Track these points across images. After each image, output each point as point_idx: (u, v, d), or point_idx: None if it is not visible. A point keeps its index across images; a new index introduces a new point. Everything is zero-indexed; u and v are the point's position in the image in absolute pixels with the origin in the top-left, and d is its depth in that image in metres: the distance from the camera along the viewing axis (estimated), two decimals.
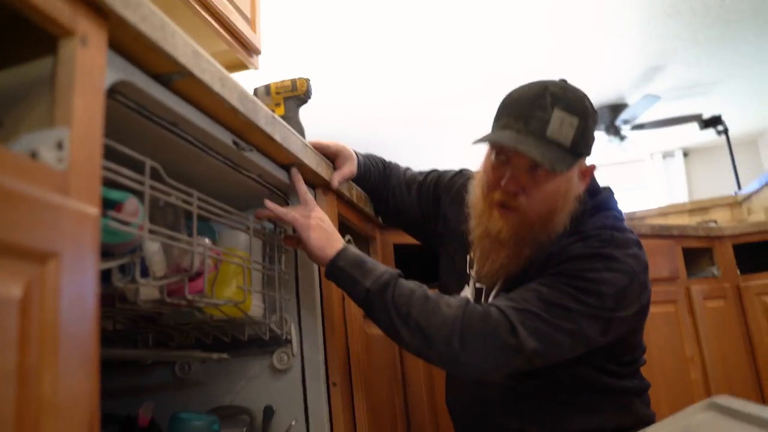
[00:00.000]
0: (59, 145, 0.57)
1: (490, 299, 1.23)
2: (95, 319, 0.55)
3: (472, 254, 1.29)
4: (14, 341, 0.46)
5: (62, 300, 0.51)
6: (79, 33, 0.60)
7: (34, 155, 0.56)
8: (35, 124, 0.60)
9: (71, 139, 0.58)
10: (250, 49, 1.69)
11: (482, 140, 1.15)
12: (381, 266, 1.11)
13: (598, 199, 1.24)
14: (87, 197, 0.57)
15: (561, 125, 1.10)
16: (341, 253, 1.09)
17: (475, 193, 1.26)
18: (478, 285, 1.29)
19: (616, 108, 5.29)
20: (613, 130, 5.36)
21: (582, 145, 1.13)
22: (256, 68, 1.75)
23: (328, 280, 1.13)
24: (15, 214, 0.48)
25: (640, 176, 6.87)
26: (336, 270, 1.09)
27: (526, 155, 1.09)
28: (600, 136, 5.46)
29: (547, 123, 1.10)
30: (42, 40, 0.61)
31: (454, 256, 1.38)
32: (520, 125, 1.11)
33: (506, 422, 1.24)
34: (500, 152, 1.16)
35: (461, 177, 1.44)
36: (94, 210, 0.57)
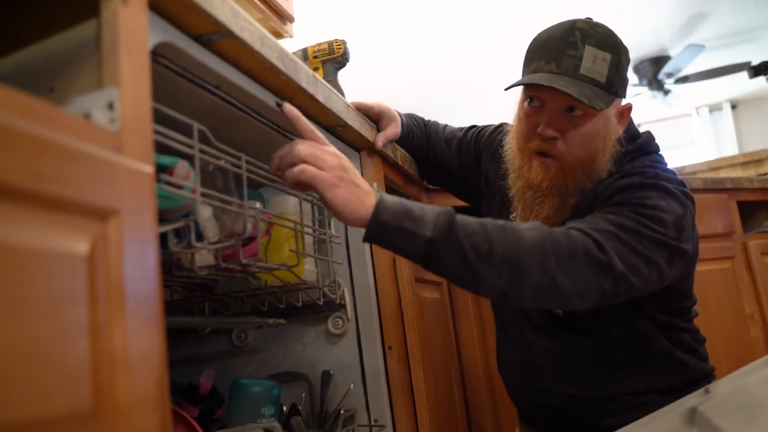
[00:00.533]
0: (110, 106, 0.57)
1: None
2: (158, 278, 0.55)
3: (513, 212, 1.24)
4: (85, 296, 0.46)
5: (125, 257, 0.51)
6: None
7: (87, 116, 0.56)
8: (85, 86, 0.60)
9: (121, 100, 0.57)
10: (284, 17, 1.68)
11: (516, 84, 1.12)
12: (427, 207, 0.92)
13: (639, 142, 1.19)
14: (141, 157, 0.57)
15: (594, 62, 1.07)
16: (380, 207, 0.88)
17: (511, 146, 1.23)
18: None
19: (658, 61, 5.12)
20: (656, 85, 5.19)
21: (617, 82, 1.10)
22: (291, 36, 1.73)
23: (373, 243, 0.93)
24: (77, 172, 0.47)
25: (687, 132, 6.66)
26: (380, 228, 0.88)
27: (563, 93, 1.04)
28: (642, 91, 5.31)
29: (579, 60, 1.07)
30: (84, 3, 0.61)
31: (497, 216, 1.32)
32: (552, 66, 1.08)
33: (558, 387, 1.21)
34: (534, 97, 1.12)
35: (501, 132, 1.39)
36: (148, 168, 0.57)
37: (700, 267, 1.21)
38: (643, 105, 5.61)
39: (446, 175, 1.49)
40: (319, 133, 0.92)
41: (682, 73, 5.13)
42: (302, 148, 0.87)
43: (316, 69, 1.32)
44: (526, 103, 1.14)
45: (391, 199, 0.91)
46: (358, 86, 5.05)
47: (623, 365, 1.17)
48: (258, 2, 1.55)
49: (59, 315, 0.44)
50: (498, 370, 1.40)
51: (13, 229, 0.42)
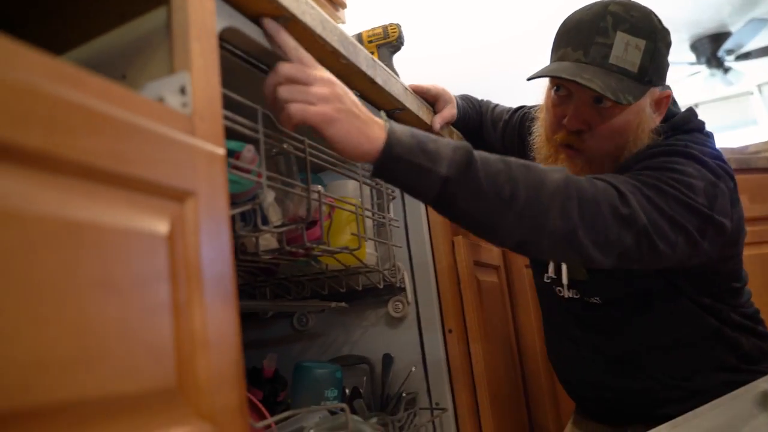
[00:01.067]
0: (182, 90, 0.58)
1: None
2: (232, 258, 0.56)
3: None
4: (166, 275, 0.47)
5: (203, 237, 0.52)
6: None
7: (160, 100, 0.57)
8: (156, 72, 0.61)
9: (192, 84, 0.58)
10: (337, 3, 1.68)
11: (537, 75, 1.05)
12: (442, 141, 0.81)
13: (674, 121, 1.10)
14: (213, 140, 0.58)
15: (626, 49, 1.00)
16: (391, 141, 0.77)
17: (539, 134, 1.16)
18: None
19: (718, 37, 4.92)
20: (716, 63, 5.00)
21: (651, 70, 1.02)
22: (343, 22, 1.73)
23: (380, 179, 0.82)
24: (156, 154, 0.48)
25: (748, 111, 6.40)
26: (390, 164, 0.77)
27: (586, 87, 0.97)
28: (701, 69, 5.12)
29: (609, 49, 1.00)
30: None
31: None
32: (579, 54, 1.02)
33: (609, 380, 1.16)
34: (561, 86, 1.06)
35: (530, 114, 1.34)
36: (221, 151, 0.57)
37: (761, 249, 1.15)
38: (701, 84, 5.41)
39: None
40: (304, 52, 0.77)
41: (743, 50, 4.93)
42: (284, 87, 0.74)
43: (371, 53, 1.32)
44: (552, 92, 1.09)
45: (402, 129, 0.79)
46: (410, 70, 5.05)
47: (670, 350, 1.11)
48: None
49: (144, 293, 0.45)
50: (550, 363, 1.38)
51: (100, 209, 0.44)
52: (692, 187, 0.95)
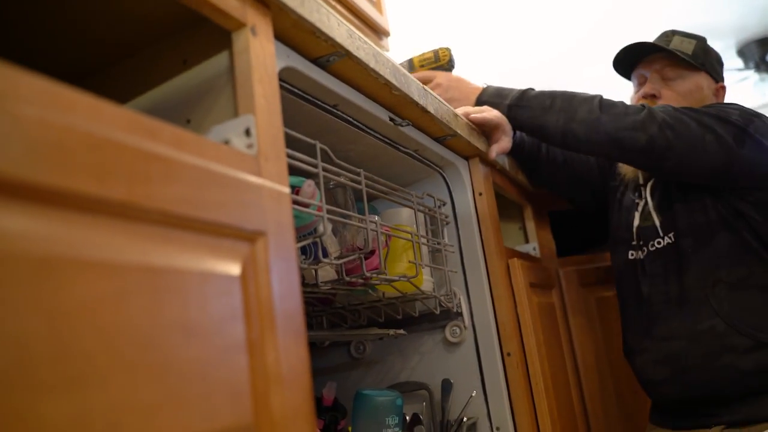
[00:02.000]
0: (247, 132, 0.60)
1: (649, 192, 1.32)
2: (301, 294, 0.57)
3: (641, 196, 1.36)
4: (240, 315, 0.49)
5: (273, 276, 0.53)
6: (249, 23, 0.63)
7: (227, 143, 0.59)
8: (220, 115, 0.64)
9: (256, 125, 0.60)
10: (379, 32, 1.70)
11: (617, 53, 1.41)
12: (515, 89, 1.32)
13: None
14: (278, 179, 0.59)
15: (681, 43, 1.34)
16: (481, 94, 1.34)
17: None
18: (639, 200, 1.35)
19: (765, 42, 4.79)
20: (764, 67, 4.86)
21: (702, 58, 1.35)
22: (387, 50, 1.75)
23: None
24: (227, 197, 0.50)
25: None
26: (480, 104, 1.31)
27: (651, 45, 1.35)
28: (749, 75, 4.99)
29: (669, 42, 1.34)
30: (215, 37, 0.65)
31: (622, 199, 1.41)
32: (640, 44, 1.38)
33: (677, 329, 1.22)
34: (639, 78, 1.40)
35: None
36: (286, 189, 0.59)
37: None
38: (750, 89, 5.26)
39: (571, 179, 1.51)
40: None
41: None
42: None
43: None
44: (635, 89, 1.42)
45: (491, 88, 1.35)
46: None
47: (735, 288, 1.18)
48: (355, 20, 1.58)
49: (220, 334, 0.47)
50: (634, 369, 1.36)
51: (177, 254, 0.45)
52: (726, 108, 1.20)
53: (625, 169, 1.40)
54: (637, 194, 1.36)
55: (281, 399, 0.51)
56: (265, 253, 0.53)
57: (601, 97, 1.21)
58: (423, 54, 1.36)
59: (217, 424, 0.45)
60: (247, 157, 0.57)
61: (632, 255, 1.34)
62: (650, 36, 1.44)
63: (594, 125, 1.17)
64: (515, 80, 5.04)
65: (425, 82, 1.32)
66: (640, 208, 1.34)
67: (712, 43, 1.44)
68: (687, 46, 1.33)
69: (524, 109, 1.25)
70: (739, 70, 4.97)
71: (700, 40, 1.36)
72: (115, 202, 0.41)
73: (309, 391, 0.55)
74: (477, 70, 4.82)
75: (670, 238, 1.25)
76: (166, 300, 0.43)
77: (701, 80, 1.34)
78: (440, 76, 1.34)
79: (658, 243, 1.26)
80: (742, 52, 4.93)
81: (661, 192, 1.29)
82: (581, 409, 1.55)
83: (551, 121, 1.21)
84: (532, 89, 1.28)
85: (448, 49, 1.34)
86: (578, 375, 1.57)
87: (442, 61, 1.33)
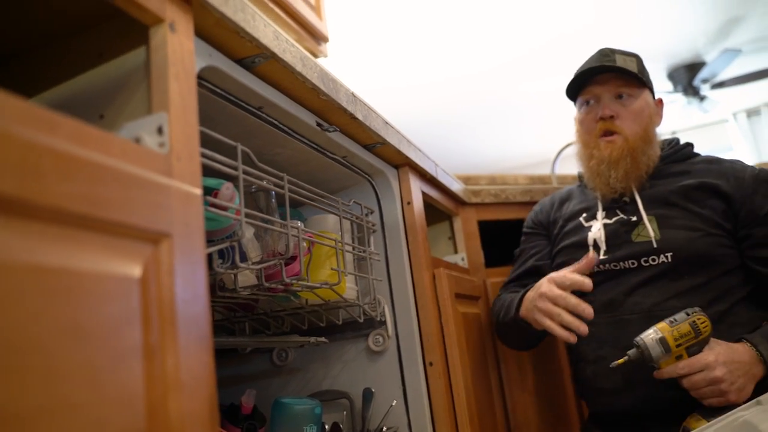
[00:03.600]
0: (159, 130, 0.58)
1: (642, 212, 1.32)
2: (207, 299, 0.55)
3: (593, 187, 1.41)
4: (138, 319, 0.47)
5: (177, 279, 0.51)
6: (168, 19, 0.61)
7: (137, 141, 0.57)
8: (134, 112, 0.62)
9: (170, 124, 0.58)
10: (318, 37, 1.69)
11: (573, 79, 1.41)
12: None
13: (674, 143, 1.44)
14: (189, 179, 0.58)
15: (624, 62, 1.37)
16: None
17: (578, 148, 1.44)
18: (607, 220, 1.37)
19: (693, 67, 5.03)
20: (692, 91, 5.10)
21: (645, 76, 1.39)
22: (325, 56, 1.75)
23: None
24: (130, 196, 0.48)
25: (724, 138, 6.52)
26: None
27: (612, 68, 1.35)
28: (677, 99, 5.21)
29: (613, 61, 1.37)
30: (132, 32, 0.63)
31: (570, 231, 1.43)
32: (593, 65, 1.38)
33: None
34: (589, 99, 1.40)
35: (539, 204, 1.60)
36: (197, 191, 0.57)
37: None
38: (678, 112, 5.51)
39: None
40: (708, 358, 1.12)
41: (718, 79, 5.03)
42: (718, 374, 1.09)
43: (679, 357, 1.12)
44: (582, 108, 1.43)
45: None
46: (391, 100, 5.09)
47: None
48: (293, 24, 1.57)
49: (114, 338, 0.45)
50: (582, 377, 1.35)
51: (70, 254, 0.43)
52: None
53: (602, 189, 1.39)
54: (609, 210, 1.38)
55: (179, 406, 0.49)
56: (170, 255, 0.51)
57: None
58: (674, 327, 1.12)
59: (106, 431, 0.43)
60: (157, 156, 0.56)
61: (598, 267, 1.33)
62: (584, 54, 1.46)
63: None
64: (449, 89, 5.13)
65: (697, 371, 1.11)
66: (616, 220, 1.35)
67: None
68: (631, 64, 1.36)
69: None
70: (668, 93, 5.19)
71: (638, 58, 1.40)
72: (2, 196, 0.38)
73: (212, 398, 0.54)
74: (409, 79, 4.87)
75: (666, 258, 1.26)
76: (57, 301, 0.41)
77: (647, 97, 1.39)
78: (718, 367, 1.09)
79: (653, 260, 1.27)
80: (672, 75, 5.16)
81: (661, 212, 1.31)
82: (504, 420, 1.57)
83: None
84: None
85: (705, 315, 1.13)
86: (502, 386, 1.60)
87: (704, 334, 1.12)
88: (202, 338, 0.54)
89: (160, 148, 0.57)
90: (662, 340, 1.10)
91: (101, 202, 0.45)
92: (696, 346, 1.10)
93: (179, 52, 0.62)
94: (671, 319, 1.11)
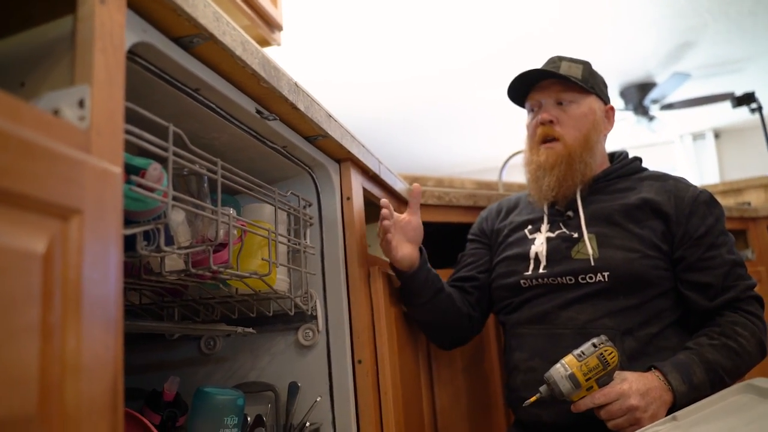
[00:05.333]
0: (80, 103, 0.56)
1: (584, 229, 1.33)
2: (119, 281, 0.54)
3: (530, 196, 1.44)
4: (38, 296, 0.45)
5: (86, 258, 0.49)
6: None
7: (56, 113, 0.55)
8: (56, 83, 0.59)
9: (92, 98, 0.56)
10: (272, 25, 1.67)
11: (511, 82, 1.41)
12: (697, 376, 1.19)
13: (636, 157, 1.47)
14: (109, 156, 0.56)
15: (569, 68, 1.38)
16: (677, 400, 1.15)
17: (525, 152, 1.46)
18: (550, 234, 1.37)
19: (644, 87, 5.17)
20: (641, 110, 5.24)
21: (591, 81, 1.40)
22: (278, 44, 1.73)
23: None
24: (38, 168, 0.46)
25: (670, 159, 6.73)
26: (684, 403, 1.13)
27: (545, 71, 1.37)
28: (627, 116, 5.36)
29: (558, 68, 1.38)
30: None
31: (513, 242, 1.44)
32: (536, 71, 1.39)
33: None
34: (533, 106, 1.42)
35: (486, 210, 1.61)
36: (116, 169, 0.55)
37: None
38: (627, 130, 5.66)
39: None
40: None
41: (667, 100, 5.19)
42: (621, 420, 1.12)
43: (590, 389, 1.13)
44: (529, 115, 1.45)
45: (680, 389, 1.15)
46: (345, 95, 5.07)
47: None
48: (247, 9, 1.54)
49: (8, 315, 0.43)
50: (510, 385, 1.37)
51: None
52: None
53: (537, 195, 1.41)
54: (552, 224, 1.39)
55: (77, 389, 0.47)
56: (80, 232, 0.49)
57: (736, 343, 1.22)
58: (582, 361, 1.12)
59: None
60: (75, 129, 0.54)
61: (537, 280, 1.35)
62: (538, 65, 1.46)
63: (749, 365, 1.24)
64: (404, 90, 5.14)
65: (614, 400, 1.13)
66: (555, 235, 1.37)
67: None
68: (575, 71, 1.38)
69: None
70: (620, 110, 5.32)
71: (586, 64, 1.41)
72: None
73: (115, 383, 0.52)
74: (366, 76, 4.86)
75: (603, 277, 1.27)
76: None
77: (593, 103, 1.39)
78: (633, 395, 1.12)
79: (590, 278, 1.28)
80: (623, 94, 5.29)
81: (601, 230, 1.32)
82: (432, 421, 1.58)
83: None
84: (693, 375, 1.17)
85: (612, 345, 1.14)
86: (432, 388, 1.60)
87: (612, 364, 1.13)
88: (109, 321, 0.52)
89: (79, 122, 0.55)
90: (571, 376, 1.11)
91: (3, 171, 0.43)
92: (606, 377, 1.12)
93: (108, 25, 0.59)
94: (579, 352, 1.12)
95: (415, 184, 1.33)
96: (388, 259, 1.32)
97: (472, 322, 1.47)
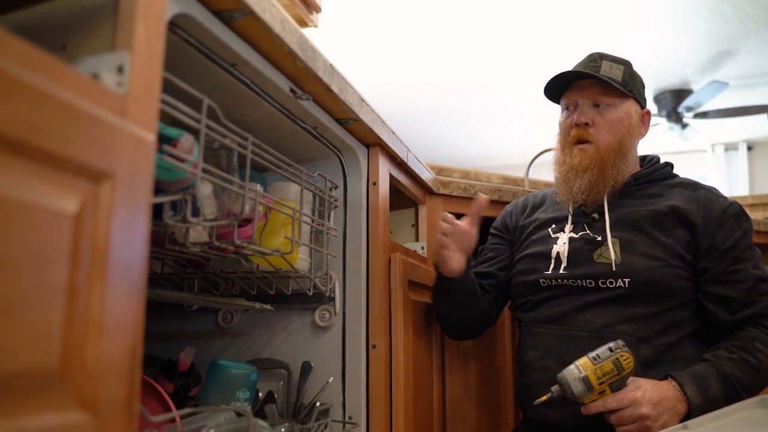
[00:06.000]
0: (119, 69, 0.56)
1: (608, 232, 1.31)
2: (145, 246, 0.54)
3: (558, 194, 1.42)
4: (66, 256, 0.46)
5: (114, 222, 0.50)
6: None
7: (95, 77, 0.55)
8: (97, 48, 0.60)
9: (131, 65, 0.57)
10: (311, 6, 1.67)
11: (550, 79, 1.38)
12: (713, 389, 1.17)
13: (667, 162, 1.44)
14: (144, 123, 0.57)
15: (610, 69, 1.35)
16: (692, 411, 1.12)
17: (556, 151, 1.44)
18: (573, 234, 1.36)
19: (680, 93, 5.08)
20: (675, 117, 5.15)
21: (631, 85, 1.36)
22: (315, 26, 1.73)
23: None
24: (74, 130, 0.47)
25: (700, 168, 6.62)
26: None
27: (587, 75, 1.33)
28: (660, 122, 5.27)
29: (598, 68, 1.35)
30: None
31: (536, 240, 1.43)
32: (574, 71, 1.37)
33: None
34: (568, 104, 1.39)
35: (512, 205, 1.58)
36: (150, 137, 0.56)
37: None
38: (659, 135, 5.57)
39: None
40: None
41: (701, 109, 5.09)
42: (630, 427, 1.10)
43: (602, 393, 1.12)
44: (563, 113, 1.41)
45: (695, 400, 1.13)
46: (376, 80, 5.05)
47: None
48: None
49: (37, 272, 0.44)
50: (521, 383, 1.37)
51: (2, 178, 0.42)
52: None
53: (565, 197, 1.40)
54: (576, 225, 1.38)
55: (98, 350, 0.48)
56: (111, 196, 0.50)
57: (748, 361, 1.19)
58: (598, 365, 1.10)
59: (14, 365, 0.42)
60: (112, 94, 0.54)
61: (556, 281, 1.34)
62: (577, 62, 1.43)
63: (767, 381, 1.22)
64: (440, 79, 5.11)
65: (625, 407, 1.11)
66: (578, 237, 1.36)
67: None
68: (616, 72, 1.35)
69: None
70: (652, 115, 5.24)
71: (627, 65, 1.38)
72: None
73: (135, 348, 0.53)
74: (407, 63, 4.84)
75: (623, 283, 1.26)
76: None
77: (630, 107, 1.36)
78: (645, 403, 1.10)
79: (610, 283, 1.27)
80: (658, 99, 5.21)
81: (626, 235, 1.31)
82: (441, 411, 1.58)
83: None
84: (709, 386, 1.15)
85: (628, 351, 1.12)
86: (443, 378, 1.61)
87: (627, 370, 1.11)
88: (132, 286, 0.53)
89: (117, 87, 0.56)
90: (585, 379, 1.09)
91: (41, 131, 0.44)
92: (619, 382, 1.11)
93: None
94: (595, 355, 1.11)
95: (482, 195, 1.33)
96: (423, 255, 1.33)
97: (487, 320, 1.47)
